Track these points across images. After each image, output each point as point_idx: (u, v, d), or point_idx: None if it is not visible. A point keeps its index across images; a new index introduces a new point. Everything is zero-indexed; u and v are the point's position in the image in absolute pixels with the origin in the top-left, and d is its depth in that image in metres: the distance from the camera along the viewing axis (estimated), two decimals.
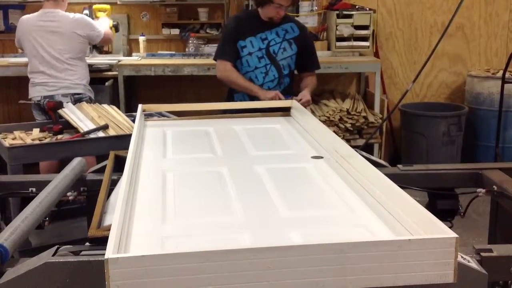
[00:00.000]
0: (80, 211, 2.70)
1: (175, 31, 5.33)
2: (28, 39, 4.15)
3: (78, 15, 4.28)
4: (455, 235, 1.20)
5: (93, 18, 4.72)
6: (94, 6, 4.75)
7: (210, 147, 2.22)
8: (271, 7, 3.43)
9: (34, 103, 4.12)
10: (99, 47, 4.88)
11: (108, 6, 4.75)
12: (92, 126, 3.24)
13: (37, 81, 4.13)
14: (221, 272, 1.13)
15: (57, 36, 4.12)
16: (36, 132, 3.26)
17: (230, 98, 3.61)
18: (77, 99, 4.01)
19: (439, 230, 1.26)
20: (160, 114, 3.23)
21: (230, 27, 3.60)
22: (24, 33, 4.17)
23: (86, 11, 4.69)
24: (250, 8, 5.13)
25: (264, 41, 3.50)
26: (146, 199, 1.63)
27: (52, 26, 4.13)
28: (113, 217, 1.32)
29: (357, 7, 5.14)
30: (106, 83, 4.63)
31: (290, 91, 3.56)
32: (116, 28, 4.80)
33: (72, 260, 1.35)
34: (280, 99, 3.26)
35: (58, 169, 2.16)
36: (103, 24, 4.44)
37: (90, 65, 4.63)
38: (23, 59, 4.63)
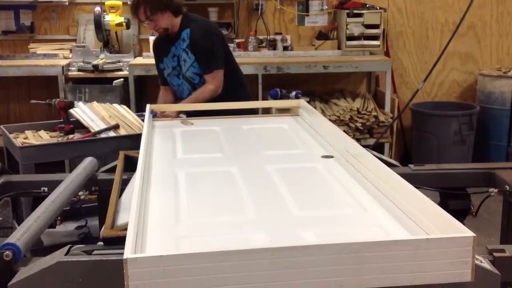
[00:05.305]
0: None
1: None
2: None
3: None
4: (472, 234, 1.19)
5: (104, 16, 4.75)
6: (107, 3, 4.79)
7: (220, 147, 2.21)
8: None
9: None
10: (109, 46, 4.92)
11: (120, 3, 4.79)
12: (103, 125, 3.25)
13: None
14: (238, 272, 1.13)
15: None
16: (44, 135, 3.24)
17: None
18: None
19: (456, 229, 1.25)
20: None
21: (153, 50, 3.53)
22: None
23: (98, 8, 4.71)
24: (259, 9, 5.13)
25: (174, 58, 3.36)
26: (159, 199, 1.63)
27: None
28: (129, 218, 1.32)
29: (367, 5, 5.11)
30: (114, 82, 4.65)
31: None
32: (127, 25, 4.82)
33: (85, 259, 1.36)
34: None
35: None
36: None
37: (101, 66, 4.65)
38: (34, 60, 4.66)
